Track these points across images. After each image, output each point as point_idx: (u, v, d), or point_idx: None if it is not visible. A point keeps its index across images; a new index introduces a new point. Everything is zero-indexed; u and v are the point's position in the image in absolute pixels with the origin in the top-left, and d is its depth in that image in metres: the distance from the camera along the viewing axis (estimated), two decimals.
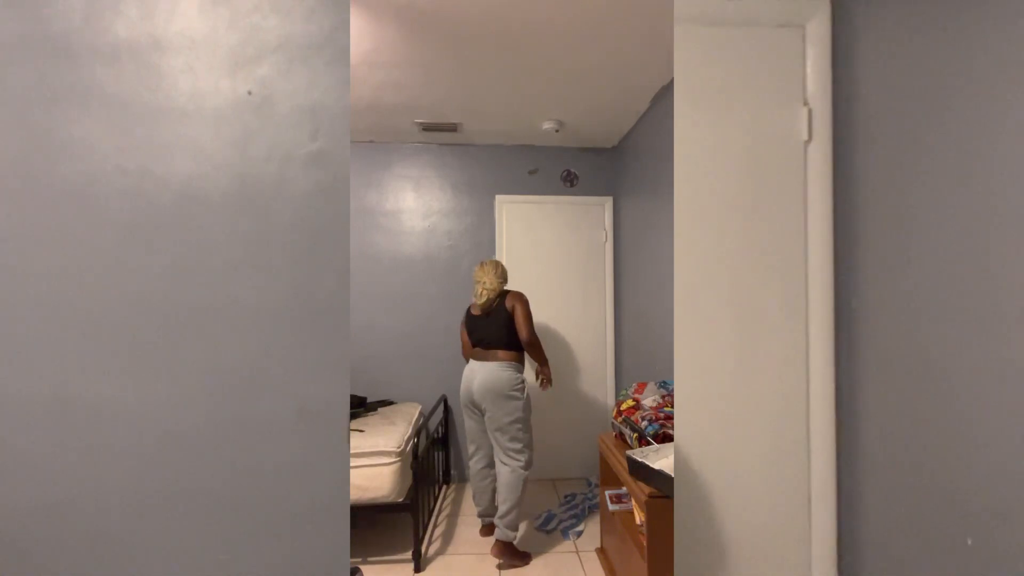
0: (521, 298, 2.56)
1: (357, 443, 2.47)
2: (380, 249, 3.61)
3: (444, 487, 3.48)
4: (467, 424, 2.69)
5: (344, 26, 1.16)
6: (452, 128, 3.28)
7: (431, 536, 2.79)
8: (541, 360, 2.66)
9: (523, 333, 2.49)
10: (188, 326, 1.15)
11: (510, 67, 2.44)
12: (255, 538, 1.16)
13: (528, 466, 2.53)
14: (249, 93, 1.15)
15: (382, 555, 2.58)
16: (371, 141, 3.57)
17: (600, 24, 2.05)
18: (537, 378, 2.75)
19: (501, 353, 2.53)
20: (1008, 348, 0.97)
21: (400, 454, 2.50)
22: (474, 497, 2.81)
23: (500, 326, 2.54)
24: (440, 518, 3.05)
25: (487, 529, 2.77)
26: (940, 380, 1.12)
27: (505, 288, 2.65)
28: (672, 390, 2.25)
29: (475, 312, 2.65)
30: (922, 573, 1.17)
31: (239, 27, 1.15)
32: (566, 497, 3.28)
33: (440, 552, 2.64)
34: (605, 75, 2.53)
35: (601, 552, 2.54)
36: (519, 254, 3.64)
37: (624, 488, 2.23)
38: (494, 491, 2.69)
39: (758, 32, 1.42)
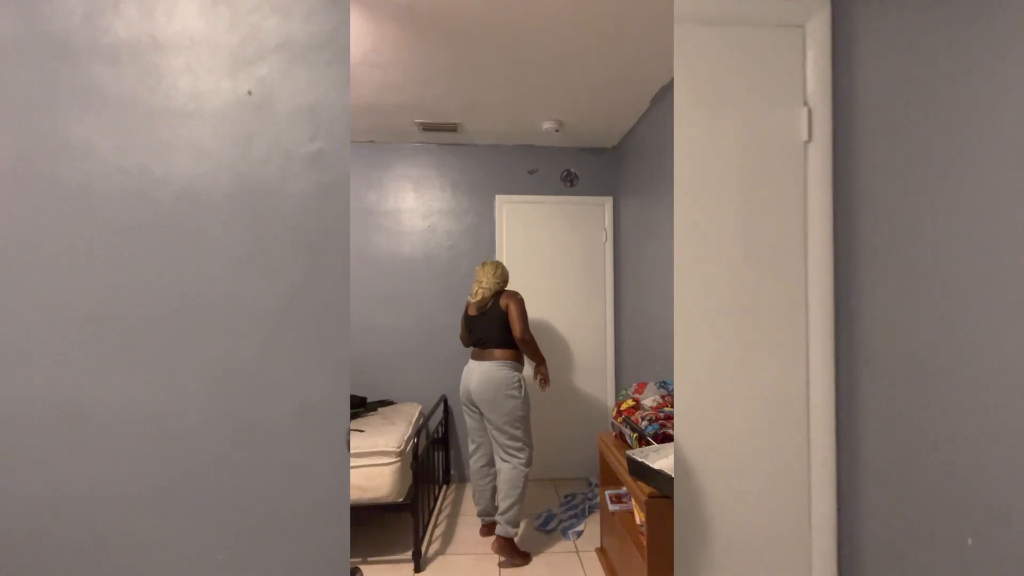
0: (515, 297, 2.57)
1: (357, 443, 2.47)
2: (380, 249, 3.61)
3: (444, 487, 3.48)
4: (467, 422, 2.70)
5: (344, 26, 1.16)
6: (452, 128, 3.28)
7: (431, 536, 2.79)
8: (537, 359, 2.67)
9: (516, 330, 2.50)
10: (188, 326, 1.15)
11: (510, 67, 2.44)
12: (255, 538, 1.16)
13: (528, 463, 2.54)
14: (249, 93, 1.15)
15: (382, 555, 2.58)
16: (371, 141, 3.57)
17: (600, 24, 2.05)
18: (536, 377, 2.75)
19: (497, 352, 2.54)
20: (1008, 347, 0.97)
21: (400, 454, 2.50)
22: (474, 496, 2.81)
23: (495, 325, 2.55)
24: (440, 518, 3.05)
25: (487, 529, 2.77)
26: (940, 379, 1.12)
27: (503, 289, 2.66)
28: (672, 390, 2.24)
29: (471, 312, 2.66)
30: (922, 573, 1.17)
31: (239, 27, 1.15)
32: (566, 497, 3.28)
33: (440, 552, 2.64)
34: (605, 75, 2.52)
35: (601, 552, 2.54)
36: (519, 254, 3.64)
37: (624, 488, 2.23)
38: (494, 490, 2.69)
39: (758, 32, 1.42)
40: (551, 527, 2.88)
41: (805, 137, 1.42)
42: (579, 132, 3.38)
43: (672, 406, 2.11)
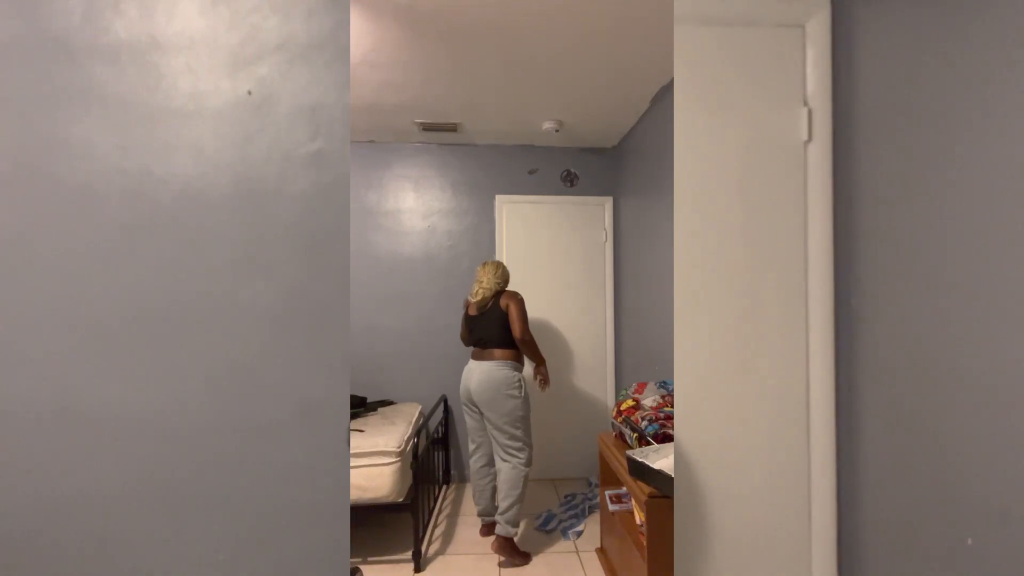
0: (515, 297, 2.58)
1: (357, 443, 2.47)
2: (380, 249, 3.61)
3: (444, 487, 3.48)
4: (467, 422, 2.70)
5: (344, 26, 1.16)
6: (452, 128, 3.28)
7: (431, 536, 2.79)
8: (537, 359, 2.67)
9: (516, 331, 2.50)
10: (188, 326, 1.15)
11: (510, 67, 2.44)
12: (255, 538, 1.16)
13: (528, 463, 2.54)
14: (249, 93, 1.15)
15: (382, 555, 2.58)
16: (371, 141, 3.57)
17: (600, 24, 2.05)
18: (536, 377, 2.75)
19: (497, 352, 2.54)
20: (1008, 347, 0.97)
21: (400, 454, 2.50)
22: (474, 496, 2.81)
23: (495, 325, 2.55)
24: (440, 518, 3.05)
25: (487, 529, 2.77)
26: (940, 379, 1.12)
27: (503, 289, 2.66)
28: (672, 390, 2.25)
29: (472, 312, 2.66)
30: (922, 573, 1.17)
31: (239, 27, 1.15)
32: (566, 497, 3.28)
33: (440, 552, 2.64)
34: (605, 75, 2.52)
35: (601, 552, 2.54)
36: (519, 254, 3.64)
37: (624, 488, 2.23)
38: (494, 490, 2.69)
39: (758, 32, 1.42)
40: (551, 527, 2.88)
41: (805, 137, 1.42)
42: (579, 132, 3.38)
43: (672, 406, 2.11)
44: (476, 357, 2.62)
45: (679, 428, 1.41)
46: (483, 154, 3.65)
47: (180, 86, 1.14)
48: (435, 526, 2.92)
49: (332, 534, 1.15)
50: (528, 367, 2.72)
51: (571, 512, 3.04)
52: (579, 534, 2.80)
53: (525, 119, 3.14)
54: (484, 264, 2.71)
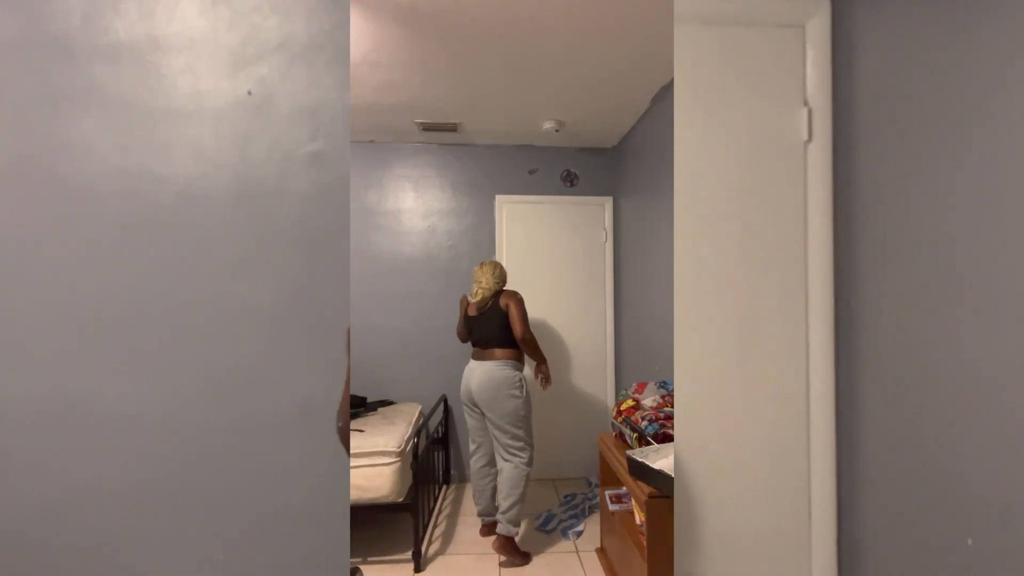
0: (515, 296, 2.58)
1: (357, 443, 2.47)
2: (380, 249, 3.61)
3: (444, 487, 3.48)
4: (468, 422, 2.70)
5: (344, 26, 1.16)
6: (452, 128, 3.28)
7: (431, 536, 2.79)
8: (538, 358, 2.67)
9: (517, 330, 2.50)
10: (188, 326, 1.15)
11: (510, 67, 2.44)
12: (255, 538, 1.16)
13: (530, 463, 2.54)
14: (249, 93, 1.15)
15: (382, 555, 2.58)
16: (371, 141, 3.57)
17: (600, 24, 2.05)
18: (537, 376, 2.75)
19: (498, 352, 2.54)
20: (1008, 347, 0.97)
21: (400, 454, 2.50)
22: (474, 496, 2.81)
23: (496, 325, 2.55)
24: (440, 518, 3.05)
25: (487, 529, 2.77)
26: (940, 379, 1.12)
27: (502, 288, 2.66)
28: (672, 390, 2.24)
29: (471, 312, 2.66)
30: (922, 573, 1.17)
31: (239, 27, 1.15)
32: (566, 497, 3.27)
33: (440, 552, 2.64)
34: (605, 75, 2.52)
35: (601, 552, 2.54)
36: (519, 254, 3.64)
37: (624, 488, 2.23)
38: (494, 490, 2.69)
39: (758, 32, 1.42)
40: (551, 527, 2.88)
41: (805, 137, 1.42)
42: (579, 132, 3.38)
43: (672, 406, 2.11)
44: (477, 357, 2.62)
45: (679, 428, 1.41)
46: (483, 154, 3.65)
47: (180, 86, 1.14)
48: (435, 526, 2.92)
49: (332, 534, 1.15)
50: (529, 366, 2.72)
51: (571, 512, 3.04)
52: (579, 534, 2.80)
53: (525, 119, 3.14)
54: (482, 264, 2.71)
